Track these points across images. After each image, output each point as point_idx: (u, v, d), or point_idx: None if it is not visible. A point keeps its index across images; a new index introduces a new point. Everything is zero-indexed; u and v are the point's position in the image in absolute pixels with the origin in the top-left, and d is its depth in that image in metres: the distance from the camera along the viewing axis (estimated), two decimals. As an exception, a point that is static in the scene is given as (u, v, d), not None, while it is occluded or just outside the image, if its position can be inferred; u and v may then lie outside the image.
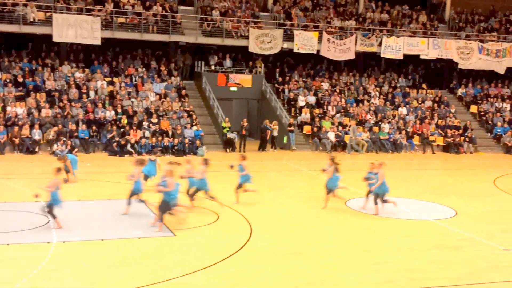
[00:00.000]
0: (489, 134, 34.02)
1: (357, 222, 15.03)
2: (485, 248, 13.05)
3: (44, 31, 29.40)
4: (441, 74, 38.70)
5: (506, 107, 35.66)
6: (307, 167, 24.21)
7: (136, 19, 31.17)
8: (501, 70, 36.44)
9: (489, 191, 20.58)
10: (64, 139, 25.48)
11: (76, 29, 29.09)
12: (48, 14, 29.48)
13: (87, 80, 30.04)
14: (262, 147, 29.09)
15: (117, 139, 26.36)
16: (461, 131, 32.56)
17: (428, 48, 34.94)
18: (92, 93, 29.29)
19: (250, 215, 15.05)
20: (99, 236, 12.66)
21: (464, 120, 33.65)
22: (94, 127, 26.92)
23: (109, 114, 28.06)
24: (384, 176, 15.53)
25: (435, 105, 34.91)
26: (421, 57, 35.51)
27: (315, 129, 30.46)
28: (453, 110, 34.39)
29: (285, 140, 29.80)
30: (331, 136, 29.86)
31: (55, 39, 29.18)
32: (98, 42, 29.98)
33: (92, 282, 10.01)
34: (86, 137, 26.42)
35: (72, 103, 28.09)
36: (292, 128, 29.77)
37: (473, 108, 35.87)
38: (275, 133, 29.36)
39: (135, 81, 30.99)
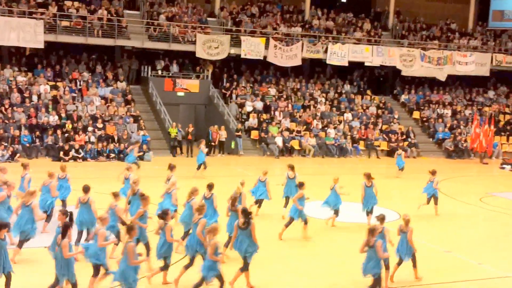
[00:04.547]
0: (431, 139, 34.95)
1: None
2: (427, 250, 13.37)
3: (-16, 34, 28.59)
4: (385, 80, 39.52)
5: (447, 113, 36.69)
6: (254, 172, 24.26)
7: (81, 23, 30.63)
8: (442, 77, 37.47)
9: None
10: (6, 144, 24.84)
11: (19, 32, 28.35)
12: (-11, 16, 28.71)
13: (30, 84, 29.34)
14: (209, 152, 29.00)
15: (61, 144, 25.84)
16: (404, 136, 33.35)
17: (372, 55, 35.60)
18: (35, 98, 28.62)
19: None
20: (49, 243, 12.26)
21: (407, 126, 34.45)
22: (37, 132, 26.33)
23: (53, 119, 27.49)
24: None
25: (379, 111, 35.61)
26: (366, 64, 36.16)
27: (262, 134, 30.64)
28: (396, 116, 35.16)
29: (232, 145, 29.84)
30: (279, 141, 30.08)
31: (-4, 42, 28.46)
32: (41, 45, 29.34)
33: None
34: (28, 144, 25.80)
35: (14, 108, 27.38)
36: (239, 133, 29.85)
37: (416, 114, 36.76)
38: (223, 138, 29.39)
39: (80, 85, 30.44)
